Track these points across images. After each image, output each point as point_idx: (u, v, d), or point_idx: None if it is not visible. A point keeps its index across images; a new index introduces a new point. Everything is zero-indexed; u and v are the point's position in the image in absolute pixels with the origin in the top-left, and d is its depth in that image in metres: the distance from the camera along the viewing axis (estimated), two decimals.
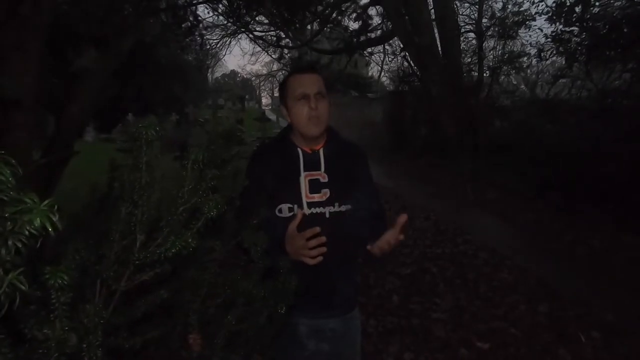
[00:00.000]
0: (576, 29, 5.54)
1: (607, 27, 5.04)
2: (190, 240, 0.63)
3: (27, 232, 0.36)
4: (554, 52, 6.03)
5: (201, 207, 0.68)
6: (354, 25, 9.95)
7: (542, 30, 7.12)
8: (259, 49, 13.82)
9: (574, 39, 5.50)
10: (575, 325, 2.56)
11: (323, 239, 1.08)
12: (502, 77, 8.58)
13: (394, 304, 2.93)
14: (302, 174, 1.19)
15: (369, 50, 11.56)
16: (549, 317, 2.68)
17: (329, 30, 11.05)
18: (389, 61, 12.35)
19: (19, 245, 0.35)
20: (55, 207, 0.37)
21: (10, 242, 0.35)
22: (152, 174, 0.66)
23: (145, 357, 0.81)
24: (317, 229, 1.08)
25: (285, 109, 1.23)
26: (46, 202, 0.37)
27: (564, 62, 6.21)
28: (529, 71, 8.42)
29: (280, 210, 1.17)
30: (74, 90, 1.62)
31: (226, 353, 0.83)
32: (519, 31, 7.35)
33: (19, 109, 1.15)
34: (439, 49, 8.21)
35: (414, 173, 7.94)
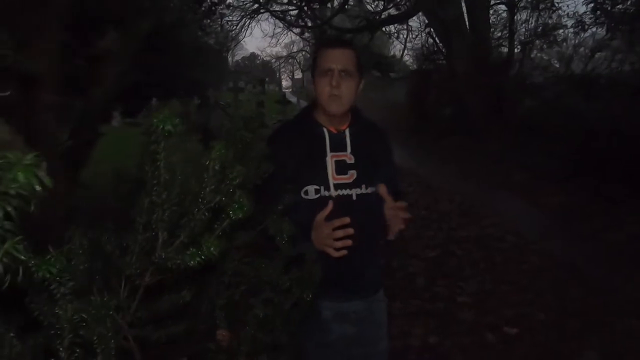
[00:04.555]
0: None
1: None
2: (212, 249, 0.59)
3: (13, 192, 0.31)
4: (594, 22, 5.59)
5: (225, 207, 0.63)
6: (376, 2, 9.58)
7: None
8: (279, 30, 13.59)
9: (617, 7, 5.07)
10: (608, 312, 2.45)
11: (350, 230, 1.04)
12: (535, 53, 8.09)
13: (419, 287, 2.90)
14: (329, 154, 1.15)
15: (393, 28, 11.14)
16: (580, 303, 2.58)
17: (350, 7, 10.71)
18: (413, 39, 11.89)
19: (8, 208, 0.32)
20: (44, 163, 0.33)
21: None
22: (173, 170, 0.61)
23: (173, 348, 0.81)
24: (347, 220, 1.04)
25: (313, 81, 1.18)
26: (30, 155, 0.32)
27: (604, 34, 5.77)
28: (564, 44, 7.89)
29: (306, 192, 1.13)
30: (96, 72, 1.63)
31: (254, 343, 0.82)
32: (555, 0, 6.85)
33: (44, 90, 1.17)
34: (466, 23, 7.80)
35: (438, 154, 7.74)
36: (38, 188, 0.32)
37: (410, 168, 6.34)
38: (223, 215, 0.64)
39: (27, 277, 0.35)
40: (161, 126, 0.58)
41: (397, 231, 1.12)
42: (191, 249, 0.59)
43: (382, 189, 1.12)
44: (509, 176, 5.60)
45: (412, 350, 2.24)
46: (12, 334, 0.45)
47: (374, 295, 1.28)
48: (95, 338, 0.49)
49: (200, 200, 0.62)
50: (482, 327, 2.39)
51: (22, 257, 0.33)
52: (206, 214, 0.62)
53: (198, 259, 0.59)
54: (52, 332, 0.47)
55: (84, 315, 0.47)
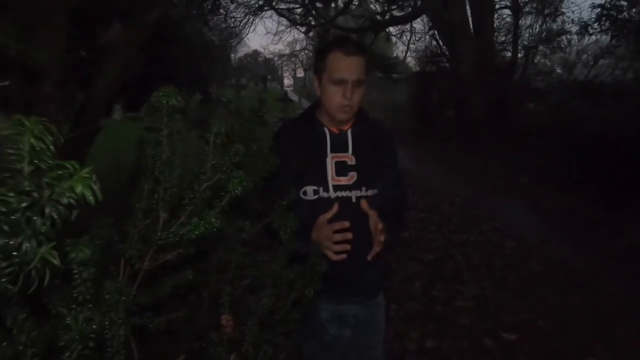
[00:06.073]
0: (626, 2, 5.09)
1: None
2: (213, 220, 0.59)
3: (65, 201, 0.33)
4: (599, 28, 5.59)
5: (225, 184, 0.64)
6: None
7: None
8: (282, 27, 13.57)
9: (623, 14, 5.06)
10: (610, 319, 2.44)
11: (349, 235, 1.03)
12: (538, 58, 8.08)
13: (417, 290, 2.88)
14: (329, 155, 1.13)
15: (397, 29, 11.13)
16: (584, 310, 2.56)
17: (354, 7, 10.69)
18: (416, 40, 11.89)
19: (55, 215, 0.32)
20: (94, 175, 0.34)
21: (47, 211, 0.32)
22: (174, 148, 0.62)
23: (172, 337, 0.80)
24: (347, 224, 1.03)
25: (317, 80, 1.15)
26: (87, 169, 0.34)
27: (608, 40, 5.76)
28: (567, 50, 7.88)
29: (305, 193, 1.12)
30: (100, 65, 1.61)
31: (257, 336, 0.81)
32: (560, 6, 6.83)
33: (46, 81, 1.15)
34: (471, 26, 7.78)
35: (439, 157, 7.72)
36: (91, 199, 0.33)
37: (410, 170, 6.32)
38: (222, 194, 0.64)
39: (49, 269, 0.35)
40: (165, 101, 0.58)
41: (374, 252, 1.09)
42: (194, 219, 0.59)
43: (364, 204, 1.10)
44: (512, 180, 5.58)
45: (409, 353, 2.22)
46: (30, 321, 0.46)
47: (374, 299, 1.26)
48: (107, 323, 0.49)
49: (201, 177, 0.62)
50: (481, 332, 2.37)
51: (55, 262, 0.33)
52: (207, 192, 0.63)
53: (201, 229, 0.59)
54: (62, 330, 0.47)
55: (94, 327, 0.47)
